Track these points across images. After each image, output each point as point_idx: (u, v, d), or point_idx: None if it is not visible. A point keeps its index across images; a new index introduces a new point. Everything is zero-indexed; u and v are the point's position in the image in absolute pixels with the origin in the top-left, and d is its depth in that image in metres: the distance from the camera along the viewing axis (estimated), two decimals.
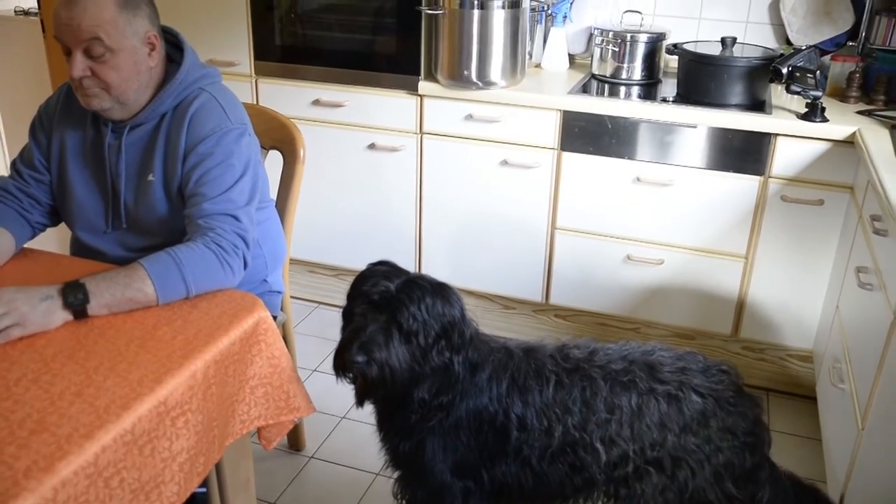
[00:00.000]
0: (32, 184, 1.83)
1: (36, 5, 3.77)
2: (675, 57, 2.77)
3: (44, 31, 3.61)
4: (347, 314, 1.62)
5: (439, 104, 2.84)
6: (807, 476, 2.32)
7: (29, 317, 1.41)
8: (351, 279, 1.64)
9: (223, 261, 1.59)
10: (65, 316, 1.45)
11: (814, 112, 2.45)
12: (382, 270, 1.59)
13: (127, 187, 1.78)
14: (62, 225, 1.92)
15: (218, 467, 1.63)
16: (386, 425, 1.75)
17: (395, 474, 1.80)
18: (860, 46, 2.73)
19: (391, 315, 1.52)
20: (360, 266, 1.67)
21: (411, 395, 1.60)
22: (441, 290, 1.58)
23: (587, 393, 1.63)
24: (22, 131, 1.99)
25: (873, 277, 1.98)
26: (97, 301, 1.47)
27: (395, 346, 1.51)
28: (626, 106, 2.67)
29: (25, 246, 1.80)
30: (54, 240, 2.08)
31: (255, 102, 3.09)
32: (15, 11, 4.01)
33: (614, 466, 1.64)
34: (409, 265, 1.66)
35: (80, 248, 1.87)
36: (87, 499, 1.14)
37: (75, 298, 1.45)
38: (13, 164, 1.86)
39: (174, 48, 1.82)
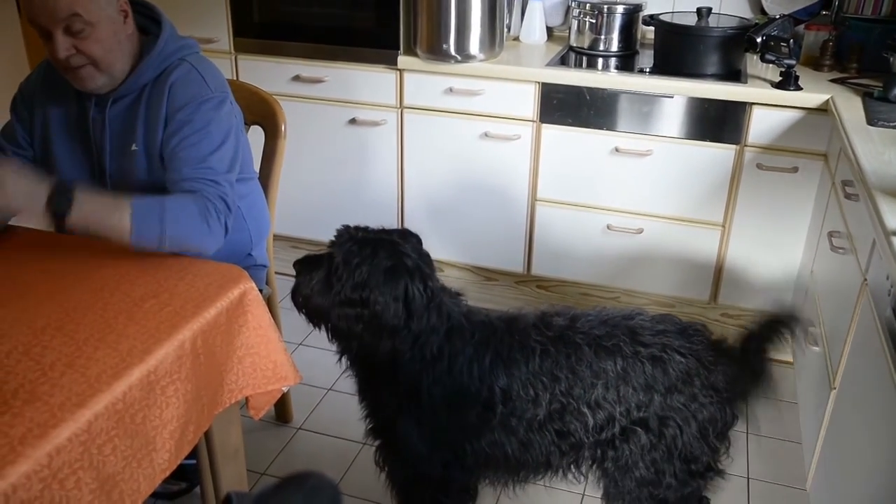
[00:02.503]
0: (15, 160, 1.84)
1: None
2: (652, 28, 2.80)
3: (19, 10, 3.57)
4: None
5: (419, 78, 2.86)
6: (782, 437, 2.38)
7: (11, 196, 1.47)
8: None
9: (205, 218, 1.62)
10: (43, 213, 1.49)
11: (788, 81, 2.48)
12: (380, 230, 1.67)
13: (111, 160, 1.79)
14: None
15: (207, 437, 1.66)
16: (364, 396, 1.79)
17: (376, 443, 1.84)
18: (833, 15, 2.77)
19: (330, 253, 1.63)
20: None
21: (343, 353, 1.71)
22: (391, 270, 1.60)
23: (573, 360, 1.65)
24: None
25: (845, 241, 2.03)
26: (77, 213, 1.50)
27: (317, 276, 1.62)
28: (604, 77, 2.69)
29: (9, 223, 1.81)
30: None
31: (235, 79, 3.09)
32: None
33: (601, 429, 1.68)
34: None
35: None
36: (82, 465, 1.17)
37: (60, 201, 1.49)
38: None
39: (150, 21, 1.82)
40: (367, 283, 1.58)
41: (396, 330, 1.61)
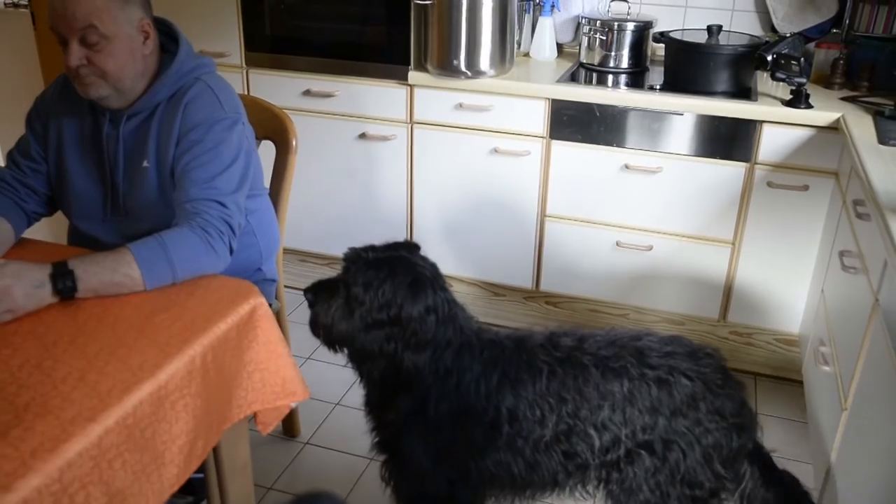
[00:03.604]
0: (29, 174, 1.85)
1: None
2: (662, 45, 2.81)
3: (34, 23, 3.60)
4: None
5: (429, 93, 2.87)
6: (793, 458, 2.37)
7: (21, 305, 1.45)
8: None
9: (209, 245, 1.62)
10: (52, 300, 1.49)
11: (798, 99, 2.48)
12: (386, 246, 1.69)
13: (124, 176, 1.80)
14: (55, 215, 1.94)
15: (216, 452, 1.66)
16: (371, 409, 1.78)
17: (383, 457, 1.83)
18: (844, 33, 2.77)
19: (345, 278, 1.62)
20: None
21: (364, 373, 1.70)
22: (414, 284, 1.61)
23: (580, 381, 1.64)
24: (13, 124, 2.00)
25: (856, 261, 2.02)
26: (84, 286, 1.50)
27: (335, 303, 1.61)
28: (614, 94, 2.70)
29: (22, 236, 1.82)
30: (47, 229, 2.10)
31: (246, 93, 3.11)
32: (4, 3, 3.99)
33: (606, 451, 1.67)
34: None
35: (77, 237, 1.90)
36: (92, 479, 1.17)
37: (64, 285, 1.49)
38: (9, 154, 1.88)
39: (168, 38, 1.84)
40: (393, 301, 1.58)
41: (432, 340, 1.62)
